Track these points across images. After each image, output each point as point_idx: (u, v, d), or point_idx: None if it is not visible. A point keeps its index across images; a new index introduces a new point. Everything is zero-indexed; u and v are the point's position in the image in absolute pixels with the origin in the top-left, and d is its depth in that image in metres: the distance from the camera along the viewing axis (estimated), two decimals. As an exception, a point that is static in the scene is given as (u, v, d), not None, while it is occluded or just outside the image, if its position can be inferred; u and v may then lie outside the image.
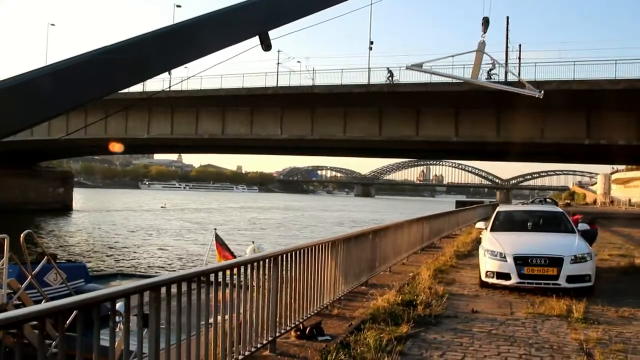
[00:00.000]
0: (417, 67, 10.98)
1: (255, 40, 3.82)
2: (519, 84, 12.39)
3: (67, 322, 3.01)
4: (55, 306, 2.80)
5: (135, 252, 30.45)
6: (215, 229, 12.68)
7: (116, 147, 39.33)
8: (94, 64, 3.23)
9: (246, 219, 61.25)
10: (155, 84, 43.43)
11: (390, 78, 36.72)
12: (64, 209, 60.76)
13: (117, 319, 3.23)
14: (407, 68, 11.01)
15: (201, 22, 3.50)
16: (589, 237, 11.75)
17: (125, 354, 3.28)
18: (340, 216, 72.97)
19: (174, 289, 3.82)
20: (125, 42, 3.32)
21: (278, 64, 41.75)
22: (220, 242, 12.13)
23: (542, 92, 10.49)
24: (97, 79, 3.32)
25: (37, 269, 7.65)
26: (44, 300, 7.20)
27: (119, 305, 3.27)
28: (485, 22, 10.50)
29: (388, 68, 37.32)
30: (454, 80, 30.80)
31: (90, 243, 34.57)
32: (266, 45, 3.83)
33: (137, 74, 3.47)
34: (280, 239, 38.19)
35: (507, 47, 36.59)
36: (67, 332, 2.86)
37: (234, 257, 11.83)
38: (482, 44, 10.04)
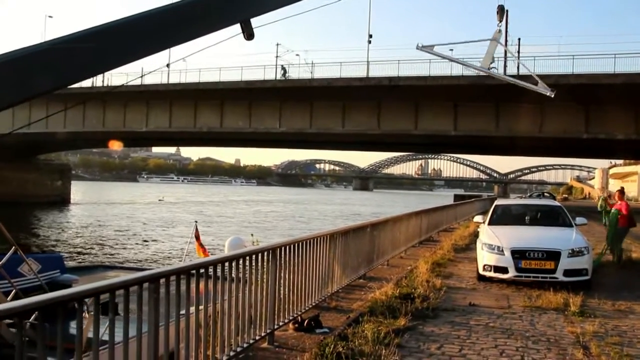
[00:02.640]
0: (429, 48, 10.86)
1: (238, 28, 3.73)
2: (530, 78, 12.28)
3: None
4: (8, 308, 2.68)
5: (129, 245, 30.48)
6: (195, 222, 12.63)
7: (115, 145, 39.42)
8: (52, 54, 3.01)
9: (252, 212, 61.71)
10: (153, 76, 43.51)
11: (283, 75, 39.15)
12: (62, 201, 60.75)
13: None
14: (418, 48, 10.82)
15: (177, 9, 3.37)
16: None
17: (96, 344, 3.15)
18: (343, 209, 73.16)
19: (171, 285, 3.81)
20: (91, 30, 3.15)
21: (277, 57, 41.76)
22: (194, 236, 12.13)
23: (555, 91, 10.38)
24: (54, 69, 3.07)
25: (3, 260, 7.64)
26: (13, 292, 7.21)
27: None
28: (501, 10, 10.33)
29: (282, 65, 39.73)
30: (458, 73, 30.91)
31: (84, 235, 34.61)
32: (248, 34, 3.70)
33: (101, 64, 3.28)
34: (292, 230, 38.66)
35: (506, 40, 36.48)
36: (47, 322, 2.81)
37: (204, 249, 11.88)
38: (499, 33, 9.93)
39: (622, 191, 13.61)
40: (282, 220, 51.08)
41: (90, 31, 3.14)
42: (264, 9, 3.80)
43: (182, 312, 3.94)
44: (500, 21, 10.23)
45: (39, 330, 2.82)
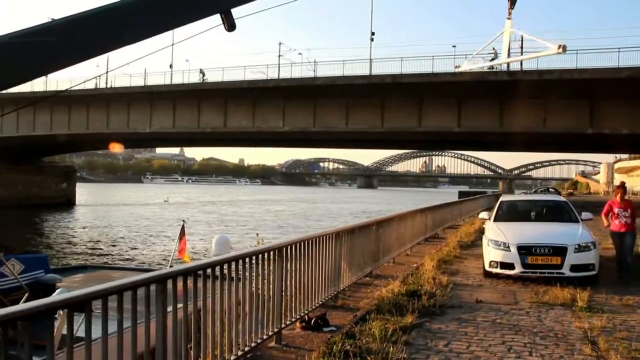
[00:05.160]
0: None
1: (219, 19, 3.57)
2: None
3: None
4: None
5: (131, 245, 30.61)
6: (183, 221, 12.62)
7: (116, 147, 39.54)
8: (10, 48, 2.80)
9: (262, 211, 62.18)
10: (156, 77, 43.69)
11: (202, 78, 40.94)
12: (67, 203, 61.00)
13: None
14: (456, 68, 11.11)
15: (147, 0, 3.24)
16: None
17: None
18: (350, 207, 73.39)
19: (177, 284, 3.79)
20: (57, 21, 2.97)
21: (279, 55, 41.78)
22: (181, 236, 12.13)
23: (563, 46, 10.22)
24: (12, 65, 2.83)
25: None
26: None
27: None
28: None
29: (200, 69, 41.51)
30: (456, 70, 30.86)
31: (86, 236, 34.73)
32: (229, 25, 3.59)
33: (67, 58, 3.03)
34: (305, 228, 39.40)
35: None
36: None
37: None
38: (510, 23, 9.89)
39: (624, 187, 11.10)
40: (293, 219, 51.50)
41: (54, 23, 2.97)
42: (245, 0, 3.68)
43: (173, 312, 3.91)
44: (512, 8, 10.14)
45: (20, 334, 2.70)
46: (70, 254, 27.03)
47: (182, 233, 12.11)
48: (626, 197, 10.55)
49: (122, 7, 3.11)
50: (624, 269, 9.99)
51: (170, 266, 11.81)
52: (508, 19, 10.08)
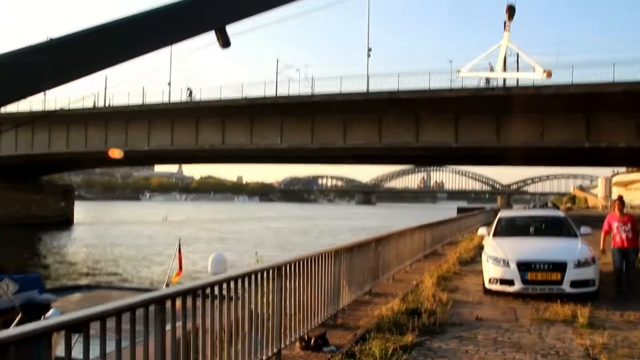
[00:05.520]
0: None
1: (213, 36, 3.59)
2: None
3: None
4: None
5: (129, 264, 30.45)
6: (179, 239, 12.59)
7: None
8: (2, 68, 2.78)
9: (262, 228, 62.16)
10: (155, 95, 43.84)
11: (189, 96, 41.21)
12: (66, 222, 60.88)
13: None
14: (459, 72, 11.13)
15: (145, 18, 3.20)
16: None
17: None
18: (349, 224, 73.28)
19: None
20: (49, 41, 2.97)
21: (277, 72, 41.98)
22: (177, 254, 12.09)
23: (548, 71, 10.32)
24: (3, 84, 2.83)
25: None
26: None
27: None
28: (509, 9, 10.31)
29: (188, 88, 41.76)
30: (458, 85, 31.01)
31: (84, 255, 34.61)
32: (224, 42, 3.60)
33: (60, 77, 3.02)
34: (308, 246, 38.92)
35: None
36: None
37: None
38: (508, 35, 9.97)
39: (622, 201, 10.57)
40: (292, 236, 51.39)
41: (45, 43, 2.97)
42: (239, 17, 3.67)
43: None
44: (510, 20, 10.23)
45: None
46: (67, 273, 26.90)
47: (178, 251, 12.05)
48: (625, 211, 10.16)
49: (115, 27, 3.12)
50: (625, 285, 9.62)
51: (167, 285, 11.75)
52: (506, 30, 10.16)
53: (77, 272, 27.20)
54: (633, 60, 33.13)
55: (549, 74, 9.92)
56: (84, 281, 22.42)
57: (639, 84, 30.57)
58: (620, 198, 10.75)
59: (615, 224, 9.85)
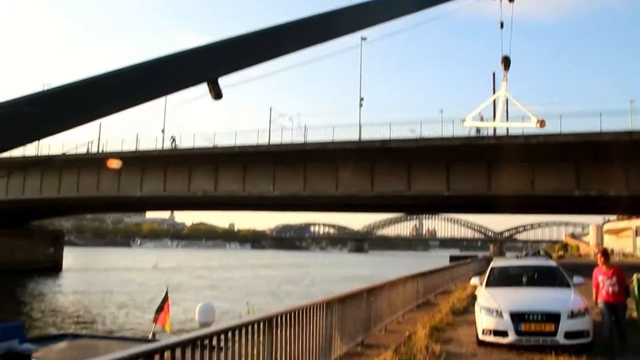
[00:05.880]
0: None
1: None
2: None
3: None
4: None
5: (115, 312, 29.89)
6: (167, 288, 12.48)
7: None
8: None
9: (254, 277, 61.52)
10: (148, 142, 44.13)
11: (172, 144, 42.07)
12: (54, 268, 60.04)
13: None
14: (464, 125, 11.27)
15: (137, 70, 3.24)
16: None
17: None
18: (342, 272, 72.85)
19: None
20: (43, 92, 2.99)
21: (270, 121, 42.43)
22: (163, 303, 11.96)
23: (542, 120, 10.34)
24: None
25: None
26: None
27: None
28: (504, 60, 10.51)
29: (172, 136, 42.79)
30: (449, 134, 31.42)
31: (72, 303, 33.94)
32: (216, 93, 3.65)
33: (51, 127, 3.03)
34: (300, 293, 39.00)
35: (494, 101, 37.34)
36: None
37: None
38: (505, 85, 10.11)
39: (606, 253, 9.93)
40: (285, 284, 50.88)
41: (36, 95, 2.98)
42: (231, 70, 3.74)
43: None
44: (506, 70, 10.41)
45: None
46: (52, 321, 26.34)
47: (165, 300, 11.91)
48: (611, 262, 9.68)
49: (108, 78, 3.17)
50: (617, 341, 9.20)
51: (153, 334, 11.52)
52: (503, 81, 10.36)
53: (64, 320, 26.65)
54: (619, 110, 33.78)
55: (542, 124, 9.99)
56: (70, 329, 21.98)
57: (626, 134, 31.14)
58: (604, 250, 10.23)
59: (600, 278, 9.46)
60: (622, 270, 9.56)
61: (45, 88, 3.21)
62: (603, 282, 9.34)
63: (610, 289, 9.24)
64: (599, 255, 9.83)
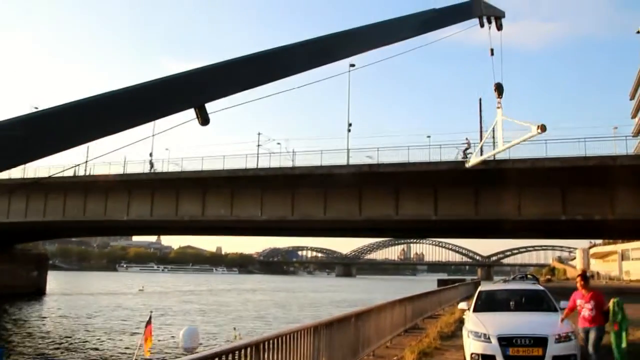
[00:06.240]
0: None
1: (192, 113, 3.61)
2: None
3: None
4: None
5: (95, 338, 29.39)
6: (151, 312, 12.42)
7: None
8: None
9: (241, 301, 61.18)
10: (135, 166, 43.99)
11: (152, 168, 42.24)
12: (37, 292, 59.07)
13: None
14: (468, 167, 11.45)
15: (124, 95, 3.25)
16: None
17: None
18: (330, 296, 72.69)
19: None
20: (22, 117, 3.01)
21: (258, 145, 42.48)
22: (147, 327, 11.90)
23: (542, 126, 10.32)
24: None
25: None
26: None
27: None
28: (497, 87, 10.62)
29: (150, 160, 43.25)
30: (437, 158, 31.67)
31: (53, 328, 33.34)
32: (203, 119, 3.64)
33: (33, 152, 3.04)
34: (288, 317, 38.58)
35: (481, 126, 37.76)
36: None
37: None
38: (500, 112, 10.22)
39: (585, 276, 9.84)
40: (273, 308, 50.58)
41: (21, 118, 3.00)
42: (217, 96, 3.74)
43: None
44: (500, 97, 10.55)
45: None
46: (33, 346, 25.85)
47: (148, 324, 11.83)
48: (590, 286, 9.62)
49: (93, 103, 3.15)
50: None
51: (136, 359, 11.35)
52: (498, 108, 10.51)
53: (46, 346, 26.17)
54: (603, 135, 34.20)
55: (543, 128, 10.05)
56: (50, 355, 21.60)
57: (609, 158, 31.56)
58: (583, 273, 10.12)
59: (578, 302, 9.39)
60: (601, 294, 9.43)
61: (32, 110, 3.19)
62: (581, 305, 9.26)
63: (587, 313, 9.17)
64: (578, 278, 9.73)
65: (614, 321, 9.00)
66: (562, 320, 9.49)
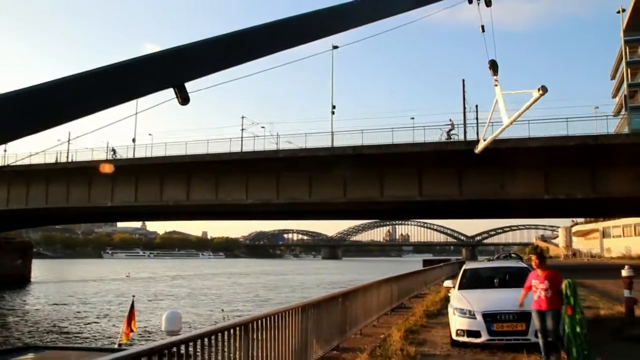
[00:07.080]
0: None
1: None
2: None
3: None
4: None
5: (82, 323, 29.33)
6: (133, 297, 12.43)
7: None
8: None
9: (233, 284, 61.35)
10: (119, 151, 43.57)
11: (113, 155, 42.77)
12: (22, 280, 58.70)
13: None
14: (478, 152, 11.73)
15: (99, 75, 3.16)
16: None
17: None
18: (318, 278, 73.12)
19: None
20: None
21: (242, 129, 42.29)
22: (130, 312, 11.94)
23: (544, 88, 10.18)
24: None
25: None
26: None
27: None
28: (492, 64, 10.55)
29: (112, 148, 43.87)
30: (420, 140, 31.75)
31: (38, 315, 33.19)
32: (183, 98, 3.62)
33: (5, 133, 2.92)
34: (278, 298, 39.10)
35: (464, 108, 37.94)
36: None
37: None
38: (499, 89, 10.17)
39: (541, 255, 8.91)
40: (263, 290, 50.78)
41: None
42: (197, 74, 3.69)
43: None
44: (495, 74, 10.47)
45: None
46: (17, 334, 25.73)
47: (132, 308, 11.85)
48: (546, 265, 8.62)
49: (70, 82, 3.10)
50: (550, 352, 8.15)
51: (119, 345, 11.38)
52: (495, 85, 10.46)
53: (30, 333, 26.06)
54: (584, 114, 34.57)
55: (544, 89, 9.90)
56: (35, 341, 21.51)
57: (591, 138, 31.91)
58: (540, 253, 9.27)
59: (533, 282, 8.43)
60: (557, 273, 8.53)
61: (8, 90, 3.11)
62: (536, 286, 8.33)
63: (542, 294, 8.19)
64: (533, 257, 8.84)
65: (567, 304, 8.13)
66: (521, 303, 8.78)
